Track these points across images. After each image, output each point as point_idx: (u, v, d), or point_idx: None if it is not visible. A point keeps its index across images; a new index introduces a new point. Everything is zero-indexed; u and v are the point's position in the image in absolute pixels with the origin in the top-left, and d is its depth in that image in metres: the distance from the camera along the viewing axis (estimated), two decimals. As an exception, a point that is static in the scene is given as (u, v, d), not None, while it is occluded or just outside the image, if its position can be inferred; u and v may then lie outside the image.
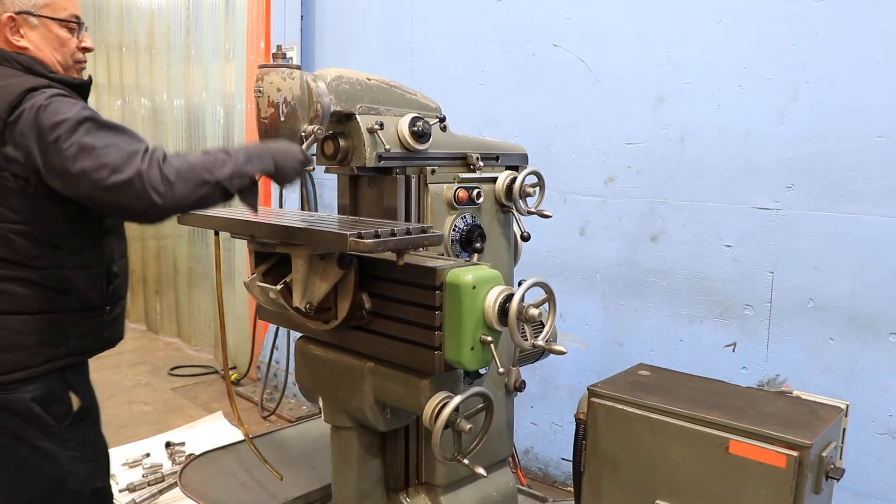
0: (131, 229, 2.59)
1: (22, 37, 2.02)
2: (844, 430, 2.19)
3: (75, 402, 2.07)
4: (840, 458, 2.13)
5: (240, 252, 5.14)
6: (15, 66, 1.99)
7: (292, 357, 4.56)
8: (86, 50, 2.14)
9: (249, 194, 1.86)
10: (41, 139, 1.80)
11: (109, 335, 2.18)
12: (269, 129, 2.03)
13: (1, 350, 1.95)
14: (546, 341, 1.95)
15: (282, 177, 1.90)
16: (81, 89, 2.09)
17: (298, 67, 2.06)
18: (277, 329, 4.84)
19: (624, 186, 3.32)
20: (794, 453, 1.86)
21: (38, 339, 1.98)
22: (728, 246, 3.01)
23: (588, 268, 3.48)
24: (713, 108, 3.01)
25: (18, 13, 2.01)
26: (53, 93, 1.86)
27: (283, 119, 2.01)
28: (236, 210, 2.21)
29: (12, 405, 1.97)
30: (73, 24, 2.09)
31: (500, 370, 1.92)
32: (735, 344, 3.03)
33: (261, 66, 2.05)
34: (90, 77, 2.17)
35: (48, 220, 1.93)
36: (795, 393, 2.33)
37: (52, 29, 2.05)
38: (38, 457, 2.02)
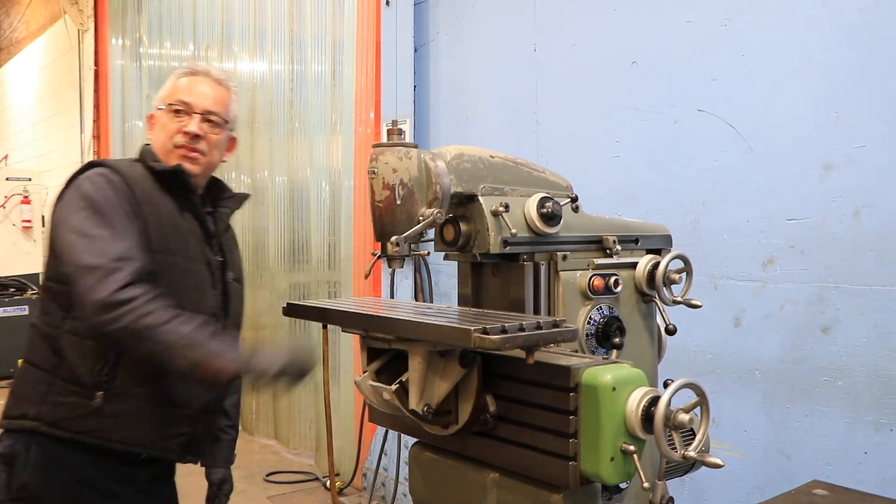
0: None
1: (151, 130, 2.45)
2: None
3: (18, 477, 2.20)
4: None
5: (346, 345, 5.31)
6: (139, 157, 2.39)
7: (403, 463, 4.64)
8: (186, 134, 2.37)
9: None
10: (55, 211, 2.22)
11: (97, 426, 2.21)
12: (384, 213, 2.15)
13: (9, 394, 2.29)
14: (698, 451, 1.94)
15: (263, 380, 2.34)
16: (162, 176, 2.34)
17: (416, 146, 2.17)
18: (386, 432, 4.93)
19: (786, 269, 3.27)
20: None
21: (24, 391, 2.24)
22: (921, 339, 2.91)
23: (745, 365, 3.42)
24: None
25: (156, 110, 2.44)
26: (97, 172, 2.23)
27: (399, 202, 2.12)
28: (347, 301, 2.33)
29: None
30: (176, 108, 2.39)
31: (645, 484, 1.91)
32: (934, 459, 2.89)
33: (375, 146, 2.17)
34: (178, 166, 2.36)
35: (61, 278, 2.20)
36: None
37: (162, 117, 2.42)
38: None
